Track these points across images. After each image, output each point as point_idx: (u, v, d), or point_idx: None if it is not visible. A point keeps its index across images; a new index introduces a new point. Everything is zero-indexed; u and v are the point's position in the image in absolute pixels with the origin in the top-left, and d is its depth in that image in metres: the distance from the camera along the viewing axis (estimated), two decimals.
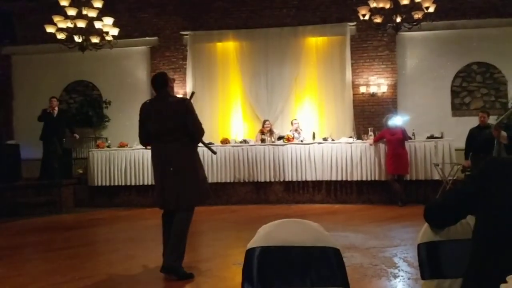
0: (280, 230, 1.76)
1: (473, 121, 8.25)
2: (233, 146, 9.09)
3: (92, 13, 8.53)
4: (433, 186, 8.24)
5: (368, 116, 10.14)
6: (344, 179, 8.62)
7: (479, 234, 1.75)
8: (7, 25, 10.98)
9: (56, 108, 9.58)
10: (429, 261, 2.01)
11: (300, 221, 1.83)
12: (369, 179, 8.56)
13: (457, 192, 1.90)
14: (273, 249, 1.66)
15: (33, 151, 9.83)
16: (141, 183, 9.20)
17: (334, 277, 1.76)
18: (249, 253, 1.68)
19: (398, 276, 3.92)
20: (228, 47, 10.97)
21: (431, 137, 8.72)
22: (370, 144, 8.59)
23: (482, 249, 1.71)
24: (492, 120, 8.04)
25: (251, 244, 1.68)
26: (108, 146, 9.56)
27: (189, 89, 10.69)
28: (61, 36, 8.43)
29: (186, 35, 10.92)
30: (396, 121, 8.49)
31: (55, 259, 4.90)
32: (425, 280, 1.97)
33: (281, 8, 10.73)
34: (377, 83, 10.34)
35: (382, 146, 8.53)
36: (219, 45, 11.00)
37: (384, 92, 10.30)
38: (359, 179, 8.59)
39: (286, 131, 9.60)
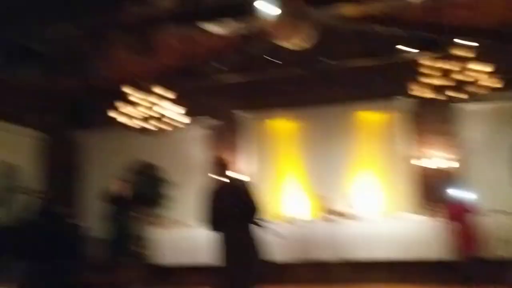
0: None
1: None
2: (293, 224, 9.01)
3: (156, 100, 9.06)
4: (505, 264, 7.68)
5: (431, 191, 9.77)
6: (410, 257, 8.23)
7: None
8: (78, 113, 11.90)
9: (124, 189, 9.94)
10: None
11: None
12: (438, 257, 8.11)
13: None
14: None
15: (98, 230, 10.14)
16: (202, 263, 9.15)
17: None
18: None
19: None
20: (284, 126, 11.23)
21: (500, 212, 8.27)
22: (436, 221, 8.25)
23: None
24: None
25: None
26: (169, 225, 9.72)
27: (247, 168, 10.90)
28: (126, 121, 8.96)
29: (243, 115, 11.31)
30: (463, 195, 8.17)
31: None
32: None
33: (333, 86, 10.95)
34: (438, 157, 10.11)
35: (449, 223, 8.14)
36: (274, 124, 11.30)
37: (448, 167, 10.03)
38: (425, 258, 8.17)
39: (345, 209, 9.44)
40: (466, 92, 7.91)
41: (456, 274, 7.91)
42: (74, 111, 11.99)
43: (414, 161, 10.21)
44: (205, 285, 8.83)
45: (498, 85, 7.80)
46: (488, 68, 7.74)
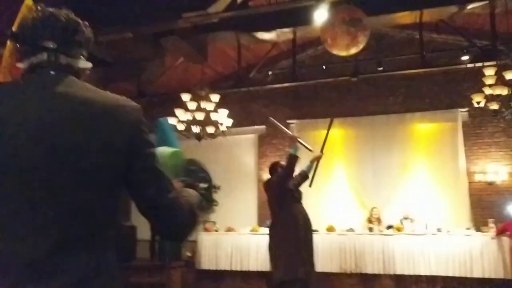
0: None
1: None
2: (339, 234, 8.89)
3: (209, 106, 9.25)
4: None
5: (486, 206, 9.39)
6: (462, 275, 7.91)
7: None
8: None
9: None
10: None
11: None
12: (491, 276, 7.76)
13: None
14: None
15: (144, 231, 10.39)
16: (246, 269, 9.21)
17: None
18: None
19: None
20: (333, 135, 11.08)
21: None
22: (492, 238, 7.91)
23: None
24: None
25: None
26: (216, 230, 9.84)
27: None
28: (181, 127, 9.17)
29: (292, 123, 11.30)
30: None
31: None
32: None
33: (387, 95, 10.78)
34: (495, 171, 9.69)
35: (506, 240, 7.79)
36: (324, 133, 11.15)
37: (504, 180, 9.60)
38: (480, 276, 7.82)
39: (394, 221, 9.20)
40: None
41: None
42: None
43: (469, 174, 9.83)
44: None
45: None
46: None
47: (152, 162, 1.31)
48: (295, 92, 11.42)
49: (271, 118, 6.05)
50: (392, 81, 10.60)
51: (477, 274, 7.85)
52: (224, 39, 9.45)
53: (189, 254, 10.43)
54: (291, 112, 11.41)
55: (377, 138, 10.53)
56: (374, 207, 9.48)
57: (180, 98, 9.25)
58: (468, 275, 7.89)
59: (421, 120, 10.45)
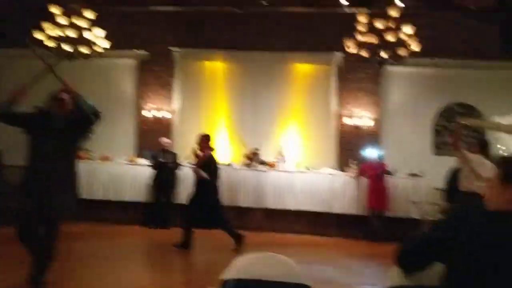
0: (256, 263, 1.78)
1: (453, 161, 8.34)
2: None
3: (83, 23, 8.42)
4: (412, 224, 8.24)
5: (351, 148, 10.14)
6: (324, 210, 8.62)
7: (449, 281, 1.78)
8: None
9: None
10: None
11: (275, 255, 1.86)
12: (349, 212, 8.56)
13: (426, 240, 1.94)
14: (248, 282, 1.63)
15: (15, 157, 9.55)
16: (121, 199, 8.97)
17: None
18: (225, 284, 1.70)
19: None
20: (216, 67, 10.95)
21: (412, 174, 8.80)
22: (353, 177, 8.63)
23: None
24: None
25: (226, 275, 1.66)
26: (89, 159, 9.30)
27: (175, 106, 10.63)
28: (50, 43, 8.28)
29: (176, 51, 10.87)
30: (376, 155, 8.56)
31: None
32: None
33: (272, 33, 10.78)
34: (361, 116, 10.44)
35: (363, 180, 8.56)
36: (208, 64, 10.99)
37: (368, 126, 10.39)
38: (339, 212, 8.60)
39: (269, 157, 9.55)
40: (395, 53, 8.09)
41: (363, 229, 8.41)
42: None
43: (338, 117, 10.44)
44: (121, 221, 8.75)
45: (418, 49, 8.02)
46: (412, 31, 7.94)
47: None
48: (178, 17, 10.87)
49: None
50: (275, 17, 10.59)
51: (336, 210, 8.58)
52: None
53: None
54: (174, 39, 10.88)
55: (258, 74, 10.63)
56: (247, 142, 9.72)
57: (52, 12, 8.27)
58: (329, 211, 8.60)
59: (300, 60, 10.72)
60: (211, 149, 6.98)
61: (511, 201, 1.73)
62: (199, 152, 6.90)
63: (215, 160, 6.94)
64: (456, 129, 5.86)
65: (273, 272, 1.65)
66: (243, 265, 1.65)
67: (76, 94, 3.90)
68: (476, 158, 5.47)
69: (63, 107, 4.03)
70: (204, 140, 6.92)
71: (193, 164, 7.05)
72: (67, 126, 3.97)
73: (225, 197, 8.73)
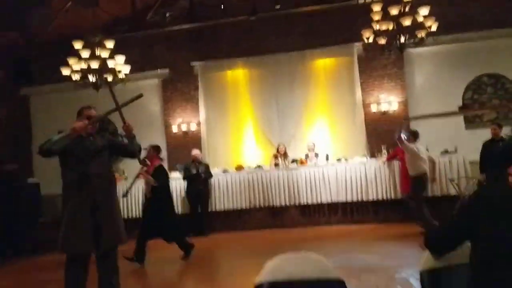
0: (287, 263, 1.82)
1: (487, 134, 8.20)
2: (247, 173, 9.21)
3: (105, 53, 8.82)
4: (450, 202, 8.13)
5: (381, 134, 10.09)
6: (359, 199, 8.64)
7: (478, 259, 1.81)
8: (25, 68, 11.35)
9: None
10: (432, 287, 2.09)
11: (305, 254, 1.90)
12: (384, 198, 8.56)
13: (454, 223, 1.98)
14: (281, 283, 1.72)
15: (54, 188, 10.05)
16: None
17: None
18: None
19: None
20: (237, 75, 11.17)
21: (445, 152, 8.69)
22: (383, 162, 8.62)
23: (481, 274, 1.78)
24: (505, 131, 8.03)
25: (259, 279, 1.75)
26: (125, 179, 9.68)
27: (202, 118, 10.91)
28: (76, 77, 8.72)
29: (196, 65, 11.16)
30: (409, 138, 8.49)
31: None
32: None
33: (287, 33, 10.90)
34: (388, 101, 10.38)
35: (396, 164, 8.53)
36: (229, 73, 11.22)
37: (395, 110, 10.33)
38: (374, 198, 8.60)
39: (300, 155, 9.66)
40: (414, 36, 8.08)
41: (400, 213, 8.36)
42: (22, 66, 11.41)
43: (365, 106, 10.44)
44: None
45: (435, 29, 7.97)
46: (427, 12, 7.91)
47: None
48: (195, 33, 11.19)
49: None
50: (290, 18, 10.73)
51: (371, 197, 8.59)
52: None
53: None
54: (193, 54, 11.20)
55: (279, 75, 10.76)
56: (280, 144, 9.82)
57: (73, 46, 8.72)
58: (364, 199, 8.62)
59: (320, 56, 10.76)
60: (160, 160, 6.93)
61: None
62: (148, 163, 6.61)
63: (165, 171, 6.89)
64: (401, 125, 7.77)
65: (305, 271, 1.75)
66: (275, 267, 1.71)
67: (132, 133, 4.04)
68: (413, 146, 7.38)
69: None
70: (153, 151, 6.83)
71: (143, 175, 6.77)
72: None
73: (259, 199, 8.96)
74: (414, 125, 9.98)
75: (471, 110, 9.96)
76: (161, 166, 6.80)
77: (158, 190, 6.54)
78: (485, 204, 1.78)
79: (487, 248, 1.75)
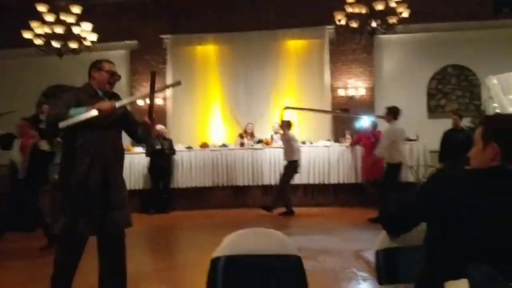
0: (244, 239, 1.81)
1: (448, 123, 8.41)
2: (212, 150, 9.14)
3: (70, 19, 8.49)
4: (409, 188, 8.30)
5: (347, 119, 10.20)
6: (321, 182, 8.75)
7: (433, 241, 1.84)
8: None
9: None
10: (386, 267, 2.12)
11: (263, 230, 1.89)
12: (346, 182, 8.69)
13: (410, 203, 1.99)
14: (238, 258, 1.71)
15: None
16: None
17: (294, 285, 1.84)
18: (214, 262, 1.74)
19: (368, 279, 4.03)
20: (208, 51, 11.01)
21: (407, 139, 8.85)
22: (347, 147, 8.74)
23: (435, 256, 1.81)
24: (465, 122, 8.25)
25: (216, 254, 1.73)
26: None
27: (168, 93, 10.72)
28: (38, 42, 8.38)
29: (166, 38, 10.92)
30: (369, 124, 8.61)
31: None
32: (382, 286, 2.07)
33: (260, 12, 10.79)
34: (355, 86, 10.48)
35: (359, 149, 8.66)
36: (199, 48, 11.05)
37: (362, 95, 10.44)
38: (336, 182, 8.72)
39: (266, 135, 9.66)
40: (386, 22, 8.13)
41: (359, 197, 8.52)
42: None
43: (332, 90, 10.50)
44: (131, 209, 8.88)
45: (408, 16, 8.06)
46: None
47: None
48: (166, 5, 10.92)
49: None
50: None
51: (333, 180, 8.72)
52: None
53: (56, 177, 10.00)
54: (164, 27, 10.94)
55: (250, 54, 10.67)
56: (249, 124, 9.78)
57: (36, 9, 8.35)
58: (326, 182, 8.73)
59: (292, 36, 10.73)
60: (34, 137, 5.98)
61: (493, 158, 1.74)
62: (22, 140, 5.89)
63: (39, 149, 5.94)
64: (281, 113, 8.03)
65: (262, 246, 1.74)
66: (232, 242, 1.72)
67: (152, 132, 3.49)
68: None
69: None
70: (26, 126, 6.06)
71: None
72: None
73: (223, 177, 8.93)
74: (378, 111, 10.14)
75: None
76: (35, 144, 5.94)
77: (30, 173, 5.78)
78: (442, 185, 1.79)
79: (442, 231, 1.78)
